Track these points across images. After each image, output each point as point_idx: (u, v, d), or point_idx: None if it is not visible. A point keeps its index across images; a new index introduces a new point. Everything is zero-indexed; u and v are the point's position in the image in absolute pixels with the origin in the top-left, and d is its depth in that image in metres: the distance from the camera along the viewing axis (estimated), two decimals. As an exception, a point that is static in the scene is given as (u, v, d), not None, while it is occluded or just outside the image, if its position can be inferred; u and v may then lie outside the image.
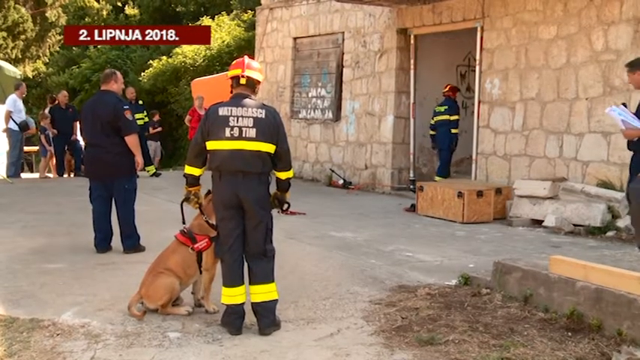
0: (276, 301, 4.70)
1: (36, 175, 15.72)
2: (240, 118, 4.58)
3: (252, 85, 4.76)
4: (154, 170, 14.79)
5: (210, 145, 4.64)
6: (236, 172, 4.59)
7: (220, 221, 4.75)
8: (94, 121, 7.03)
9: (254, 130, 4.58)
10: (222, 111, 4.63)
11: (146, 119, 15.06)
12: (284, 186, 4.85)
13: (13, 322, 4.68)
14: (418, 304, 5.15)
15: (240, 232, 4.67)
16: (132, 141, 6.99)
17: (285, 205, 4.93)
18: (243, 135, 4.57)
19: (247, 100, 4.67)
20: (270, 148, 4.63)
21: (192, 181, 4.86)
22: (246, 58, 4.85)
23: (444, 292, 5.47)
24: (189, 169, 4.83)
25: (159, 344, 4.36)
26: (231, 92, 4.80)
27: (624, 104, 6.75)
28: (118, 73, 7.38)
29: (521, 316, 4.78)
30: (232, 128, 4.57)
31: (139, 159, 7.09)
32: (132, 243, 7.03)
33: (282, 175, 4.80)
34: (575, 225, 8.63)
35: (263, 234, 4.67)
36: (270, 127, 4.63)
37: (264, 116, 4.62)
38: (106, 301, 5.18)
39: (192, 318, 4.86)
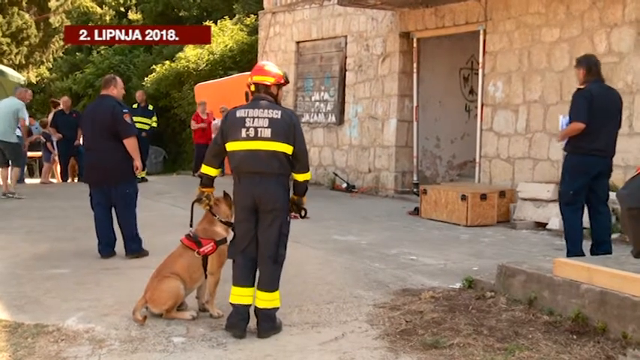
0: (277, 308, 4.72)
1: (38, 181, 15.70)
2: (255, 119, 4.63)
3: (266, 89, 4.78)
4: (143, 175, 14.75)
5: (229, 146, 4.70)
6: (253, 174, 4.63)
7: (237, 223, 4.79)
8: (94, 126, 7.05)
9: (269, 130, 4.61)
10: (240, 113, 4.69)
11: (154, 124, 14.87)
12: (301, 189, 4.88)
13: (18, 327, 4.68)
14: (422, 308, 5.14)
15: (254, 235, 4.69)
16: (131, 144, 6.95)
17: (304, 212, 4.96)
18: (259, 135, 4.60)
19: (264, 102, 4.72)
20: (286, 148, 4.65)
21: (207, 182, 4.93)
22: (261, 63, 4.98)
23: (448, 296, 5.46)
24: (205, 169, 4.91)
25: (163, 349, 4.36)
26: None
27: None
28: (118, 78, 7.38)
29: (525, 319, 4.78)
30: (248, 129, 4.62)
31: (138, 163, 7.03)
32: (134, 247, 7.02)
33: (300, 177, 4.82)
34: (579, 228, 8.60)
35: (275, 237, 4.67)
36: (286, 127, 4.65)
37: (279, 117, 4.65)
38: (110, 306, 5.19)
39: (196, 322, 4.86)
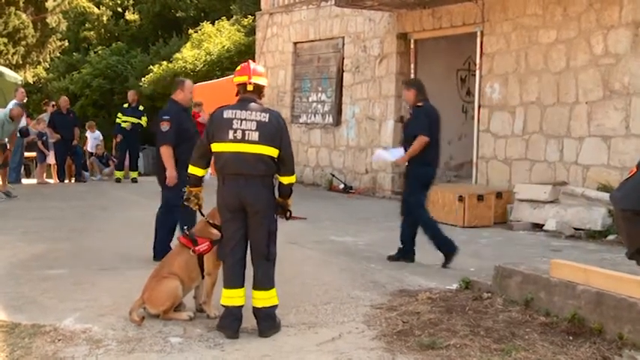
0: (276, 306, 4.73)
1: (35, 181, 15.68)
2: (243, 121, 4.62)
3: (259, 90, 4.81)
4: (135, 176, 14.88)
5: (215, 147, 4.69)
6: (238, 175, 4.62)
7: (224, 223, 4.78)
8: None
9: (257, 133, 4.61)
10: (227, 114, 4.67)
11: (143, 123, 14.89)
12: (286, 191, 4.86)
13: (15, 327, 4.68)
14: (419, 309, 5.15)
15: (242, 234, 4.69)
16: (162, 152, 6.71)
17: (288, 213, 4.94)
18: (246, 138, 4.60)
19: (252, 104, 4.71)
20: (272, 151, 4.65)
21: (195, 182, 4.92)
22: (252, 64, 4.90)
23: (445, 297, 5.47)
24: (192, 169, 4.89)
25: (160, 349, 4.36)
26: (237, 96, 4.84)
27: (402, 117, 7.39)
28: (188, 82, 7.04)
29: (522, 320, 4.79)
30: (235, 131, 4.61)
31: (169, 172, 6.64)
32: (155, 252, 6.76)
33: (285, 180, 4.82)
34: (575, 229, 8.63)
35: (265, 236, 4.68)
36: (274, 130, 4.66)
37: (267, 120, 4.65)
38: (108, 307, 5.19)
39: (193, 323, 4.86)
